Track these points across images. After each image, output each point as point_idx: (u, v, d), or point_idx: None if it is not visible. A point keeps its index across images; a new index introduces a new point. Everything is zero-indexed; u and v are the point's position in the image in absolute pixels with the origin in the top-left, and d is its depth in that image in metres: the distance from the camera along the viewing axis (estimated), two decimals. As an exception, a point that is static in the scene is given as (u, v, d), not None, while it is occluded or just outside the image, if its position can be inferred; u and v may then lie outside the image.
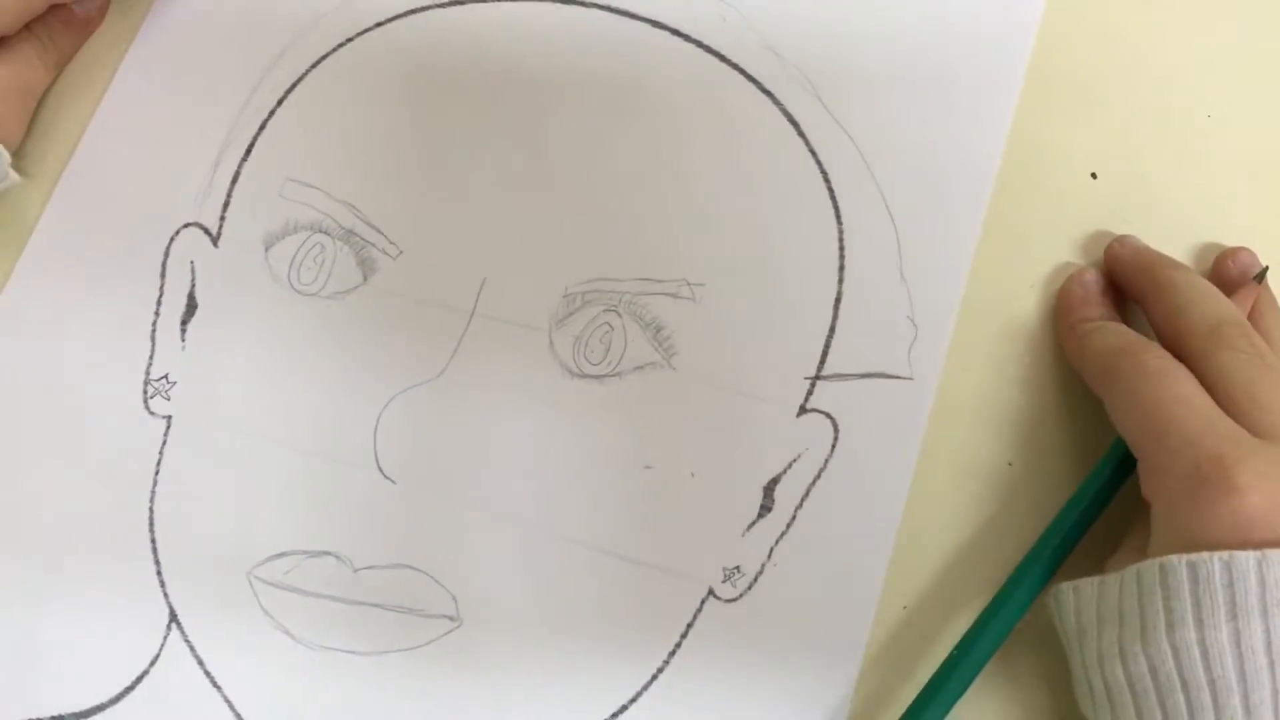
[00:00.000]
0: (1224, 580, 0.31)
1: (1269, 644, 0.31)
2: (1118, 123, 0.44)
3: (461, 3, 0.46)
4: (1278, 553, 0.31)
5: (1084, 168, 0.44)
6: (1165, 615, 0.32)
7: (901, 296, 0.42)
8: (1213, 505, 0.32)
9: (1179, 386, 0.35)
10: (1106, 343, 0.38)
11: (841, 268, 0.42)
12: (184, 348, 0.42)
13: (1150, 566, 0.33)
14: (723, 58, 0.45)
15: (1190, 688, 0.32)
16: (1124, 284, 0.41)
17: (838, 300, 0.42)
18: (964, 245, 0.43)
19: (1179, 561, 0.32)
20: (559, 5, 0.46)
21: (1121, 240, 0.42)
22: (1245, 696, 0.31)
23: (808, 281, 0.42)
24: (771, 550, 0.39)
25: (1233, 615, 0.31)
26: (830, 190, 0.43)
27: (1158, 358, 0.36)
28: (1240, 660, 0.31)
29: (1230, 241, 0.42)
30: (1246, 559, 0.31)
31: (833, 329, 0.42)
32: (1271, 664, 0.31)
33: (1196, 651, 0.32)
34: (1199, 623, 0.32)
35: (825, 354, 0.41)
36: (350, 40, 0.46)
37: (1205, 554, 0.32)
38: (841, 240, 0.43)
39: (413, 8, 0.46)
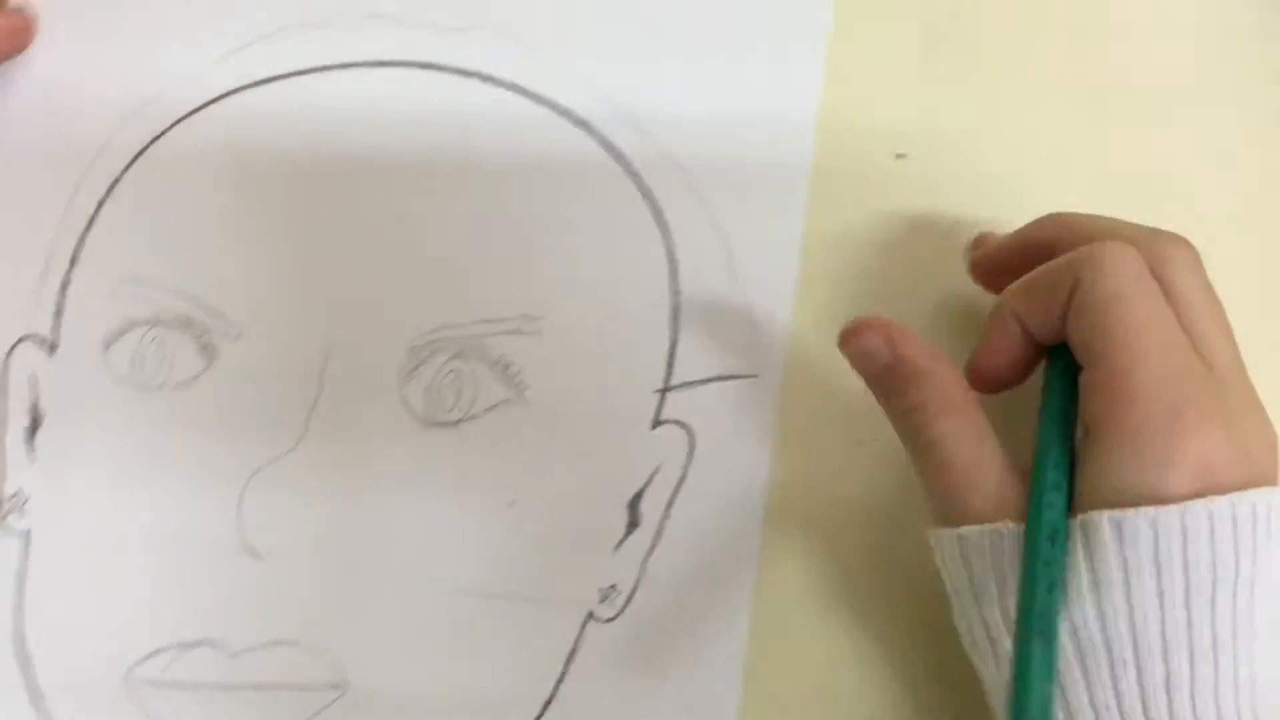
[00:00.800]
0: (1149, 537, 0.31)
1: (1187, 598, 0.31)
2: (919, 102, 0.46)
3: (270, 81, 0.47)
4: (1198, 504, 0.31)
5: (890, 149, 0.45)
6: (1089, 575, 0.31)
7: (736, 298, 0.43)
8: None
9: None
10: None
11: (675, 279, 0.43)
12: (34, 461, 0.42)
13: (1097, 521, 0.31)
14: (533, 95, 0.46)
15: (1114, 647, 0.31)
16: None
17: (675, 311, 0.43)
18: (790, 239, 0.44)
19: (1103, 518, 0.31)
20: (366, 69, 0.47)
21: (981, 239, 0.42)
22: (1165, 652, 0.31)
23: (644, 298, 0.43)
24: (644, 564, 0.40)
25: (1156, 573, 0.31)
26: (654, 207, 0.44)
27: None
28: (1161, 616, 0.31)
29: (1039, 211, 0.44)
30: (1170, 515, 0.31)
31: (675, 340, 0.43)
32: (1189, 613, 0.31)
33: (1124, 612, 0.31)
34: (1125, 584, 0.31)
35: (671, 365, 0.42)
36: (165, 132, 0.46)
37: (1131, 511, 0.31)
38: (671, 253, 0.44)
39: (224, 91, 0.47)
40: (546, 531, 0.40)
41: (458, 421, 0.41)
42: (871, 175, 0.45)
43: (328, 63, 0.47)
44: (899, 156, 0.45)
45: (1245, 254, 0.44)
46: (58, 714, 0.39)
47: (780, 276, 0.43)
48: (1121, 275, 0.33)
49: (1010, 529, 0.33)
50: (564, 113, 0.46)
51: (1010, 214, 0.44)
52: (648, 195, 0.44)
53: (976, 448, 0.34)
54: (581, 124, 0.45)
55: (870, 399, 0.41)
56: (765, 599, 0.40)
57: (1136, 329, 0.32)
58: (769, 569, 0.40)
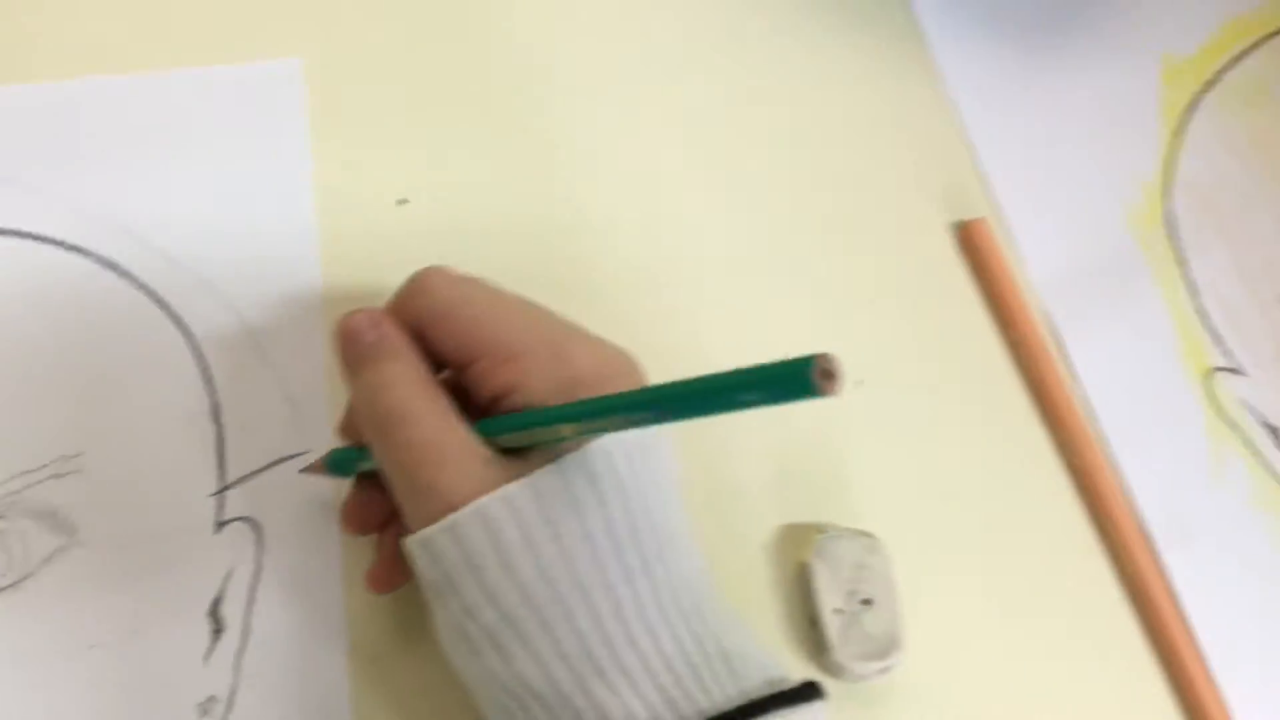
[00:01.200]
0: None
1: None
2: (413, 152, 0.48)
3: None
4: None
5: (391, 197, 0.47)
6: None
7: (271, 380, 0.44)
8: None
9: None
10: None
11: (208, 380, 0.43)
12: None
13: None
14: (24, 234, 0.45)
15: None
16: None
17: (215, 410, 0.43)
18: (311, 308, 0.45)
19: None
20: None
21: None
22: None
23: (179, 405, 0.43)
24: (237, 667, 0.40)
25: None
26: (171, 314, 0.44)
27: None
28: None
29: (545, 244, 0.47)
30: None
31: (221, 438, 0.43)
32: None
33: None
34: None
35: (222, 464, 0.42)
36: None
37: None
38: (198, 354, 0.44)
39: None
40: (135, 665, 0.40)
41: (15, 583, 0.40)
42: (377, 226, 0.46)
43: None
44: (400, 202, 0.47)
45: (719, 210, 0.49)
46: None
47: (309, 347, 0.44)
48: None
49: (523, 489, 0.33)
50: (57, 243, 0.45)
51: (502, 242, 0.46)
52: (162, 304, 0.44)
53: (452, 427, 0.35)
54: (76, 249, 0.45)
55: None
56: (361, 665, 0.41)
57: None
58: (361, 636, 0.41)
